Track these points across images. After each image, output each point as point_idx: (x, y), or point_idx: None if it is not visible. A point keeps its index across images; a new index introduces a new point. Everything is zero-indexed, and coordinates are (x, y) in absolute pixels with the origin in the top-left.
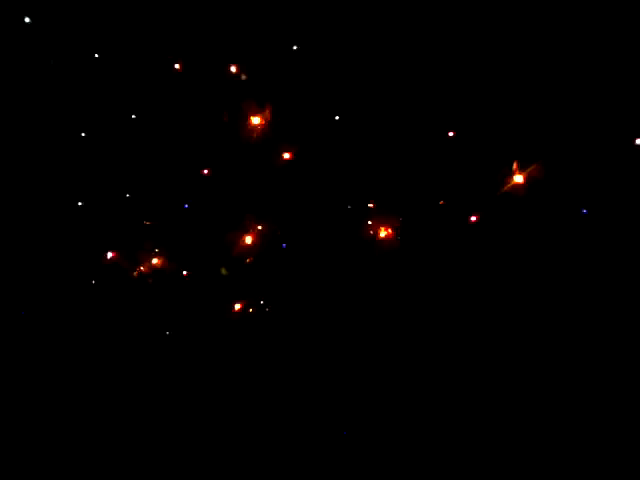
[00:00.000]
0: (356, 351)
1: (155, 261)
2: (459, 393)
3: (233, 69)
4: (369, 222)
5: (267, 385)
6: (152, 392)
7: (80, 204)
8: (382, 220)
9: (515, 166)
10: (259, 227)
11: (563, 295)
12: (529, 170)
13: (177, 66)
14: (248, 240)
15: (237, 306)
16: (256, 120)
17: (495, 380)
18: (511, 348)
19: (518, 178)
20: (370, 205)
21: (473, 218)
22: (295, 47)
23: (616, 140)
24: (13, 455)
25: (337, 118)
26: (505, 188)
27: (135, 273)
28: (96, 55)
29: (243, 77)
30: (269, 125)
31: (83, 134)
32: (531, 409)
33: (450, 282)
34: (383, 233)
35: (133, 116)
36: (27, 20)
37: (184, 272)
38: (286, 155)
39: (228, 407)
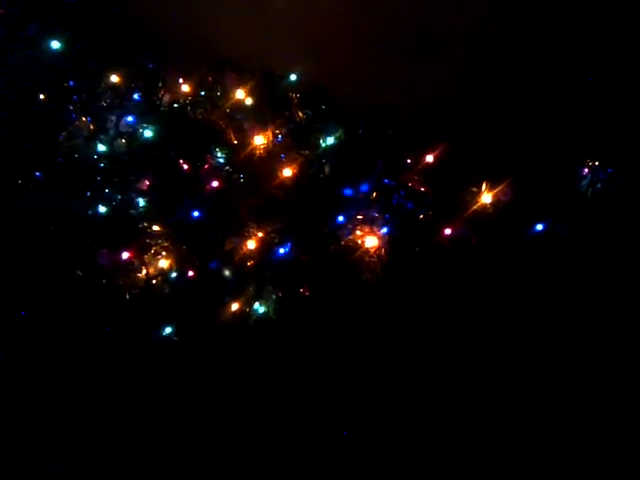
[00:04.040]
0: (356, 352)
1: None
2: (458, 393)
3: None
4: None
5: (267, 385)
6: (154, 392)
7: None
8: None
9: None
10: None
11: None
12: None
13: None
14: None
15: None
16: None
17: (493, 379)
18: (504, 350)
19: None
20: (359, 217)
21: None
22: None
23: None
24: (13, 454)
25: None
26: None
27: (140, 274)
28: None
29: None
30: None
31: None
32: (528, 410)
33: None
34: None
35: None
36: None
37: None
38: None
39: (229, 407)
